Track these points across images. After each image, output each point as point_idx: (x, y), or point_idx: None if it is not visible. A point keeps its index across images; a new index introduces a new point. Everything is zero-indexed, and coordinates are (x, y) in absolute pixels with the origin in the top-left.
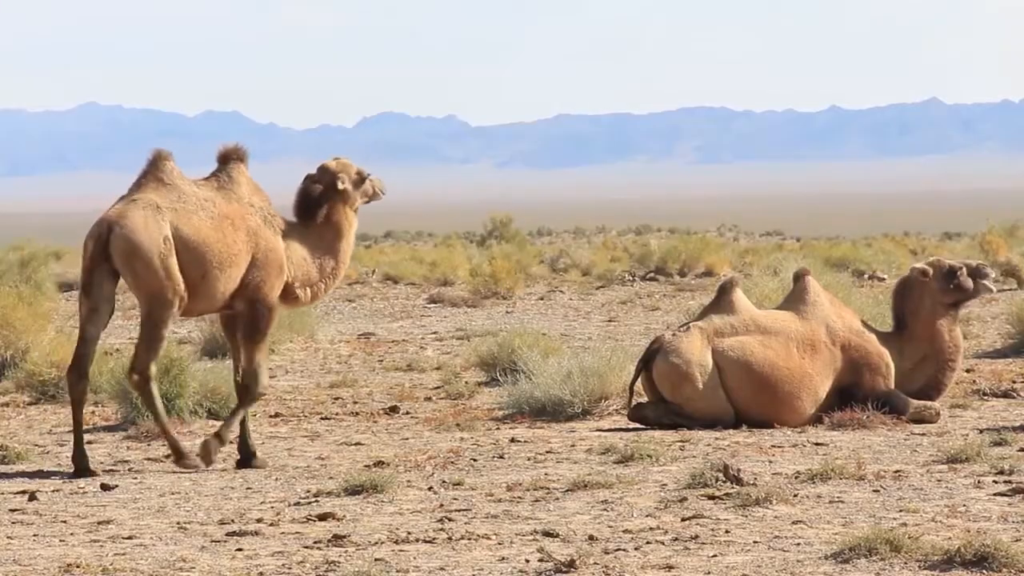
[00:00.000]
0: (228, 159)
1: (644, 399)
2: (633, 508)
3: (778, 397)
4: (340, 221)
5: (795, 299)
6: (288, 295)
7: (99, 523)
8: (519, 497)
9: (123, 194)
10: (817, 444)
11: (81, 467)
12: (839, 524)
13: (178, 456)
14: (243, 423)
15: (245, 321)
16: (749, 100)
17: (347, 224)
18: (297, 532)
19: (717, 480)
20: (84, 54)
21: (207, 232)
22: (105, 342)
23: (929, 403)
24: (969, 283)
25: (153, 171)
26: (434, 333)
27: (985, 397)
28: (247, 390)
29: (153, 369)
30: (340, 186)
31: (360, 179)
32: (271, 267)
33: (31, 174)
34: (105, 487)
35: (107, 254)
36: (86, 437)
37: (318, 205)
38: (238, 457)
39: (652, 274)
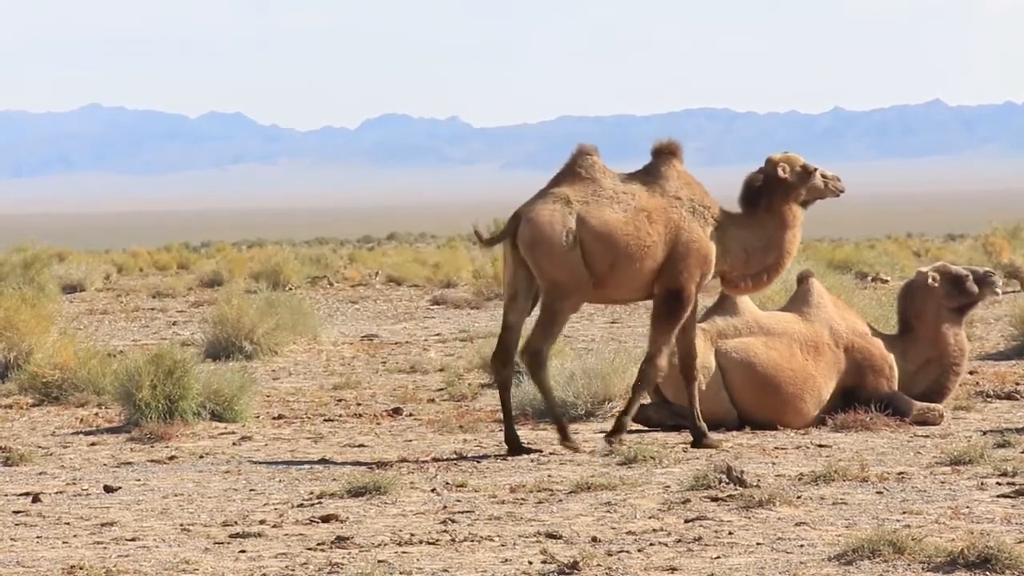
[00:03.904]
0: (660, 153)
1: (647, 400)
2: (636, 510)
3: (781, 399)
4: (784, 212)
5: (799, 301)
6: (728, 283)
7: (102, 525)
8: (522, 499)
9: (541, 188)
10: (820, 446)
11: (514, 446)
12: (842, 526)
13: (564, 437)
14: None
15: (657, 306)
16: (752, 101)
17: (791, 216)
18: (300, 534)
19: (720, 482)
20: (87, 55)
21: (616, 224)
22: (108, 343)
23: (932, 405)
24: (975, 289)
25: (572, 166)
26: (437, 335)
27: (988, 399)
28: (643, 373)
29: (547, 352)
30: (780, 175)
31: (805, 172)
32: (692, 258)
33: (34, 175)
34: (108, 489)
35: (517, 244)
36: (89, 438)
37: (759, 195)
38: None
39: None
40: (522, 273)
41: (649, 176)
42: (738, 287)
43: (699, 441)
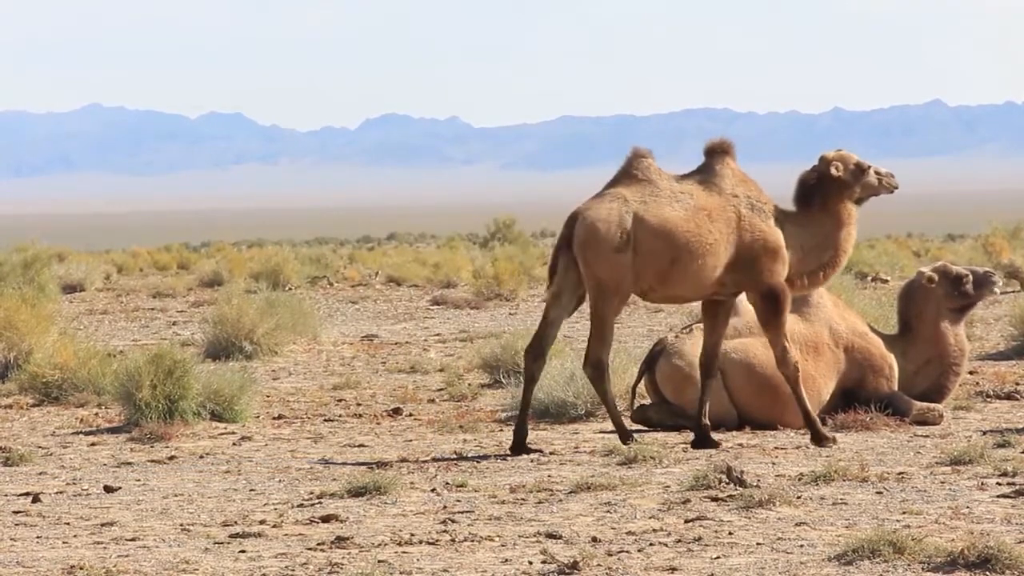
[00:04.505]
0: (713, 152)
1: (647, 401)
2: (636, 510)
3: (781, 399)
4: (839, 210)
5: (798, 301)
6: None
7: (102, 525)
8: (522, 499)
9: (599, 190)
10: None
11: (519, 442)
12: (842, 526)
13: (623, 437)
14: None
15: (759, 310)
16: (752, 101)
17: (846, 214)
18: (300, 534)
19: (720, 482)
20: (87, 55)
21: (676, 222)
22: (108, 343)
23: (932, 405)
24: (974, 290)
25: (628, 168)
26: (437, 335)
27: (988, 399)
28: (785, 375)
29: (607, 361)
30: (834, 173)
31: (859, 170)
32: (764, 253)
33: (34, 175)
34: (108, 489)
35: (571, 243)
36: (89, 438)
37: (813, 193)
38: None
39: None
40: (572, 274)
41: (704, 175)
42: (794, 285)
43: (700, 440)
